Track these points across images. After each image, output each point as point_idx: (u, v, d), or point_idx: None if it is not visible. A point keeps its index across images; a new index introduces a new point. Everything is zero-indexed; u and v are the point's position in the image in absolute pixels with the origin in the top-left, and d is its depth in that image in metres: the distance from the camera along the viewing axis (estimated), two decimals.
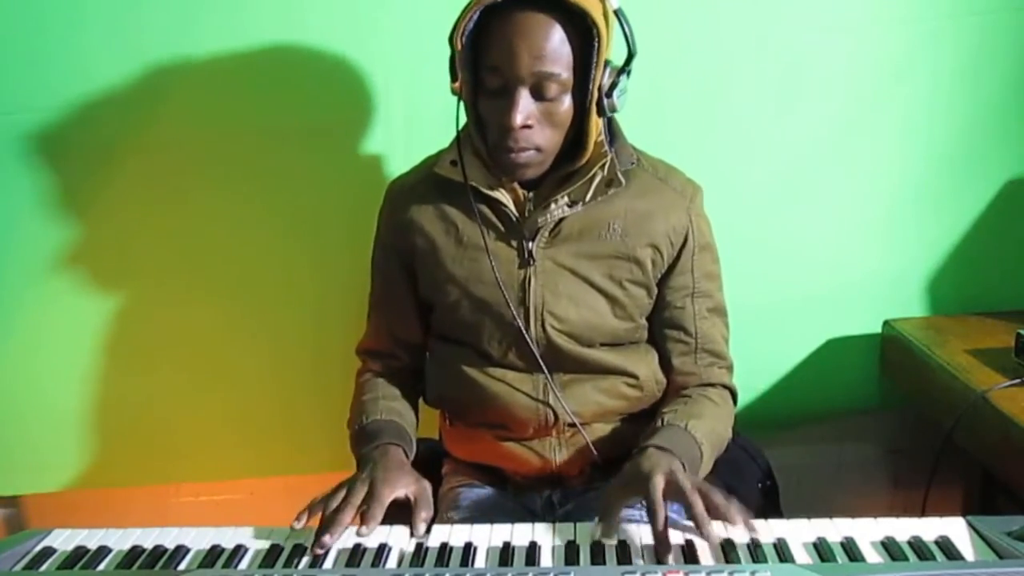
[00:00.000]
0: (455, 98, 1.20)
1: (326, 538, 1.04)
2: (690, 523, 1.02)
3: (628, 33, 1.15)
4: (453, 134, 1.25)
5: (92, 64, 1.49)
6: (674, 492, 1.04)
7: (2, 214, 1.57)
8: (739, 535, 1.02)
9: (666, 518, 1.01)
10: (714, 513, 1.01)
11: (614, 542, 1.03)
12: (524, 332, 1.24)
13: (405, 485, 1.12)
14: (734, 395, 1.35)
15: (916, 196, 1.62)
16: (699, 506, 1.00)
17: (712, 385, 1.31)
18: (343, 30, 1.49)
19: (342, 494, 1.10)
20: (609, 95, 1.15)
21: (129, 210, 1.58)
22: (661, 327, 1.30)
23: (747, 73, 1.54)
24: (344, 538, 1.07)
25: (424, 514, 1.10)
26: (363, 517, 1.08)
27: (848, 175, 1.60)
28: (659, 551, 0.99)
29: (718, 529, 1.01)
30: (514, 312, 1.23)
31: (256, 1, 1.48)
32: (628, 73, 1.17)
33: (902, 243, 1.65)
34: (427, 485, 1.14)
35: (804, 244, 1.63)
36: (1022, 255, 1.66)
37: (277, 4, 1.48)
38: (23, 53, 1.48)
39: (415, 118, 1.53)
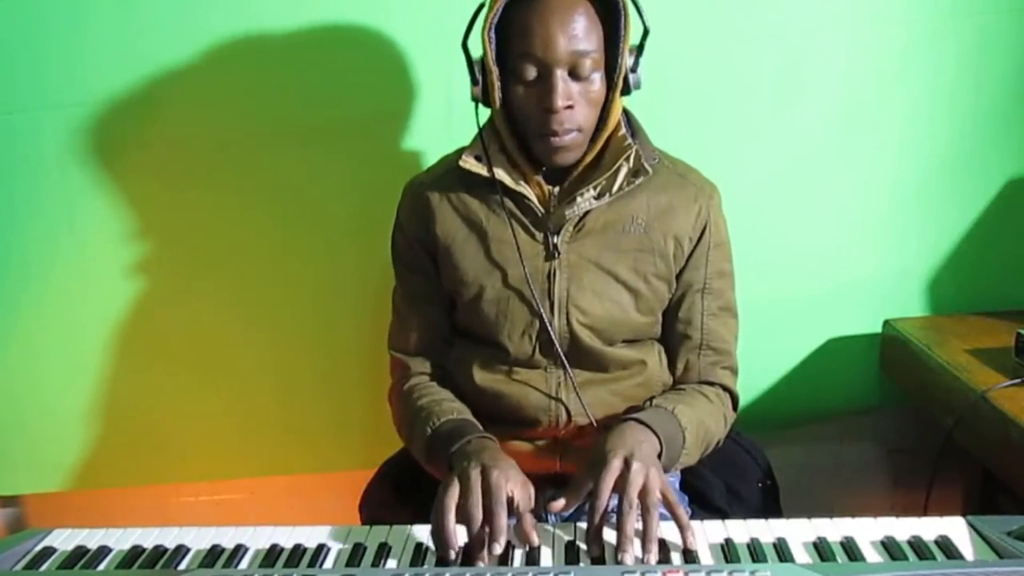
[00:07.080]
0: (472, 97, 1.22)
1: (496, 548, 0.98)
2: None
3: (640, 11, 1.18)
4: (466, 134, 1.26)
5: (93, 64, 1.50)
6: (621, 488, 1.02)
7: (2, 213, 1.57)
8: (689, 541, 1.01)
9: (604, 514, 1.00)
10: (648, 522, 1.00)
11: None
12: (548, 325, 1.24)
13: (515, 483, 1.06)
14: (734, 399, 1.33)
15: (916, 196, 1.62)
16: (628, 527, 0.98)
17: (711, 384, 1.30)
18: (356, 25, 1.50)
19: (470, 495, 1.02)
20: (634, 71, 1.19)
21: (132, 209, 1.58)
22: (668, 321, 1.31)
23: (747, 72, 1.54)
24: (342, 539, 1.06)
25: (532, 521, 1.04)
26: (485, 515, 1.01)
27: (848, 175, 1.60)
28: (590, 548, 0.99)
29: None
30: (539, 304, 1.24)
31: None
32: (642, 51, 1.20)
33: (902, 243, 1.65)
34: (532, 490, 1.08)
35: (804, 244, 1.63)
36: (1022, 255, 1.66)
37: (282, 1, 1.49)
38: (23, 53, 1.48)
39: (427, 118, 1.53)
